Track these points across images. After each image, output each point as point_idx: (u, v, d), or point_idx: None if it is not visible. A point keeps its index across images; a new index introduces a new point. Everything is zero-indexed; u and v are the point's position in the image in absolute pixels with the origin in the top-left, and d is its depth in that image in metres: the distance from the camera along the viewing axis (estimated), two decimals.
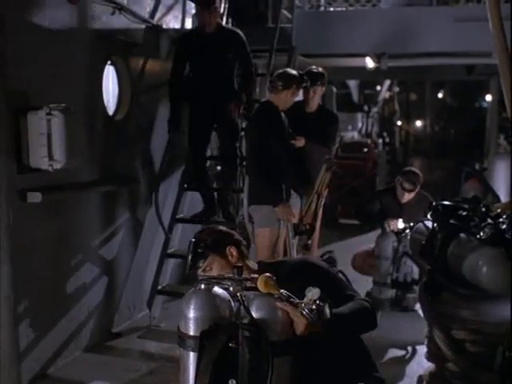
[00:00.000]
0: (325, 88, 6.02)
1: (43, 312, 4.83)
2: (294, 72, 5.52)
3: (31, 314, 4.68)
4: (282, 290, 2.49)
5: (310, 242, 5.72)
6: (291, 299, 2.49)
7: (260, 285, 2.46)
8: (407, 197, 6.28)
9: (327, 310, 2.49)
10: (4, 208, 4.23)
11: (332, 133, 5.99)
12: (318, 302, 2.48)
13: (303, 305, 2.47)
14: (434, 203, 4.25)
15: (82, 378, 4.83)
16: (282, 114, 5.48)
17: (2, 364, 4.30)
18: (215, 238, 2.94)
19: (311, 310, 2.47)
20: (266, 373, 2.37)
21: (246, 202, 5.61)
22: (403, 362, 5.19)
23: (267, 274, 2.48)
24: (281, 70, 5.55)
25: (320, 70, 5.97)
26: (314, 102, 5.94)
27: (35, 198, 4.52)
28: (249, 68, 6.27)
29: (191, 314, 2.44)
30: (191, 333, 2.44)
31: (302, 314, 2.45)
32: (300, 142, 5.64)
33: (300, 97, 5.99)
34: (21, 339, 4.49)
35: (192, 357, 2.44)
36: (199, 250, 2.87)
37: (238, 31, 6.22)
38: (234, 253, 2.89)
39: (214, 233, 3.00)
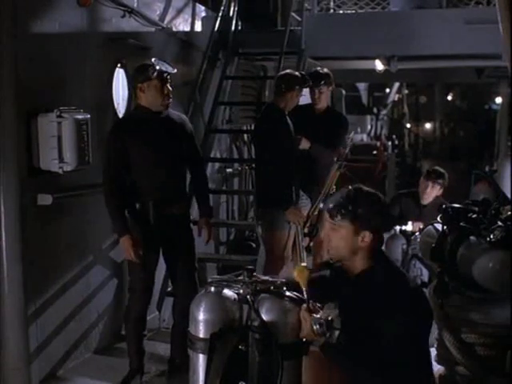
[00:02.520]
0: (331, 88, 5.97)
1: (53, 314, 4.84)
2: (296, 73, 5.48)
3: (41, 316, 4.70)
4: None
5: (311, 244, 5.69)
6: (311, 301, 2.48)
7: (296, 272, 2.47)
8: (430, 192, 6.23)
9: (335, 335, 2.46)
10: (15, 210, 4.25)
11: (341, 134, 5.97)
12: (332, 322, 2.46)
13: (318, 315, 2.44)
14: (444, 206, 4.25)
15: (92, 380, 4.84)
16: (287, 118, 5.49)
17: (13, 365, 4.32)
18: (373, 213, 2.70)
19: (321, 325, 2.44)
20: (276, 375, 2.37)
21: (255, 204, 5.61)
22: None
23: (304, 265, 2.50)
24: (283, 72, 5.53)
25: (325, 70, 5.95)
26: (322, 103, 5.90)
27: (45, 200, 4.53)
28: (203, 169, 5.06)
29: (201, 316, 2.45)
30: (201, 335, 2.45)
31: (311, 323, 2.43)
32: (304, 143, 5.61)
33: (307, 99, 6.00)
34: (31, 340, 4.50)
35: (202, 359, 2.44)
36: (349, 207, 2.67)
37: (186, 118, 4.96)
38: (366, 239, 2.69)
39: (373, 208, 2.71)
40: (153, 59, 4.51)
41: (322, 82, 5.81)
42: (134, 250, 4.41)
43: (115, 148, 4.47)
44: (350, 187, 2.79)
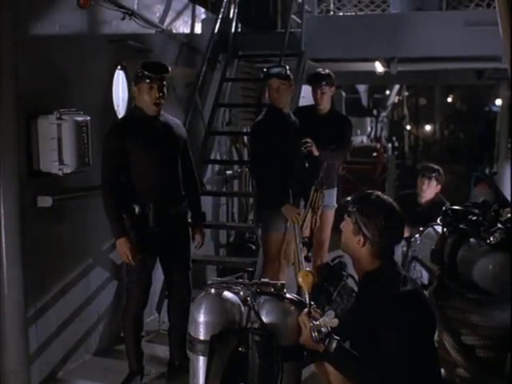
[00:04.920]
0: (334, 89, 6.00)
1: (53, 316, 4.84)
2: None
3: (41, 318, 4.69)
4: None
5: (310, 254, 5.66)
6: (312, 306, 2.47)
7: (300, 275, 2.45)
8: (427, 189, 6.25)
9: (333, 345, 2.44)
10: (14, 212, 4.25)
11: (346, 135, 6.01)
12: (331, 330, 2.44)
13: (317, 322, 2.42)
14: (444, 207, 4.25)
15: (92, 382, 4.84)
16: (293, 117, 5.47)
17: (12, 367, 4.33)
18: (374, 226, 2.61)
19: (320, 332, 2.43)
20: (276, 377, 2.37)
21: (254, 205, 5.58)
22: None
23: (309, 269, 2.49)
24: None
25: (327, 71, 5.98)
26: (324, 103, 5.93)
27: (45, 202, 4.54)
28: (194, 173, 4.90)
29: (201, 318, 2.45)
30: (201, 337, 2.45)
31: (310, 328, 2.42)
32: (314, 150, 5.58)
33: (308, 100, 6.00)
34: (31, 342, 4.50)
35: (202, 361, 2.44)
36: (351, 206, 2.66)
37: (180, 122, 4.92)
38: (362, 241, 2.64)
39: (376, 221, 2.61)
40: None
41: (324, 83, 5.85)
42: (131, 253, 4.41)
43: (114, 148, 4.43)
44: (376, 192, 2.76)
